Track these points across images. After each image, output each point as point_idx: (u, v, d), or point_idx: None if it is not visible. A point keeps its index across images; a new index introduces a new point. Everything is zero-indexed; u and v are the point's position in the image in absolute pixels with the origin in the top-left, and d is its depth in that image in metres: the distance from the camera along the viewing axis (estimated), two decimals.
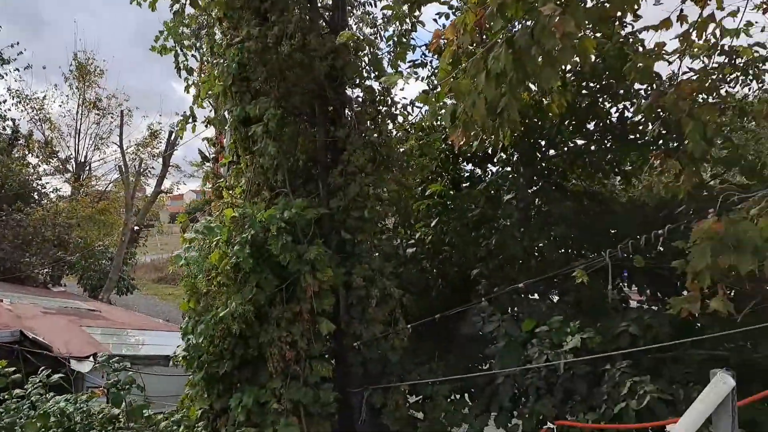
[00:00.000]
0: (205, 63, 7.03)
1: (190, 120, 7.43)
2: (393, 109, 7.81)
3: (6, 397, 4.25)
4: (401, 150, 8.87)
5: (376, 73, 7.27)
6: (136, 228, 24.55)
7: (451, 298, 8.63)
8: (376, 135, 7.24)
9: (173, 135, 22.88)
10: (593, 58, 8.19)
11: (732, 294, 6.52)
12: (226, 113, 6.67)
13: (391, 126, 8.53)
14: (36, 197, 27.88)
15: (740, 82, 7.76)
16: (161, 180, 23.30)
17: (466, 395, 7.78)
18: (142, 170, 23.80)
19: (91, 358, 9.09)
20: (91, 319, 13.81)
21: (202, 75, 6.96)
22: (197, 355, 6.31)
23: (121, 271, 22.48)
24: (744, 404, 4.23)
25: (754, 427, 5.90)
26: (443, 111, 5.67)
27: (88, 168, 29.35)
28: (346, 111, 7.17)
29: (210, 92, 6.71)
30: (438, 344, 8.39)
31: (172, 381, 9.32)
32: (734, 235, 4.63)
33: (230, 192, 6.82)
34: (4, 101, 25.23)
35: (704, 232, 4.74)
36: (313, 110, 7.20)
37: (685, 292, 5.46)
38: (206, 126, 7.01)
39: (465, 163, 9.94)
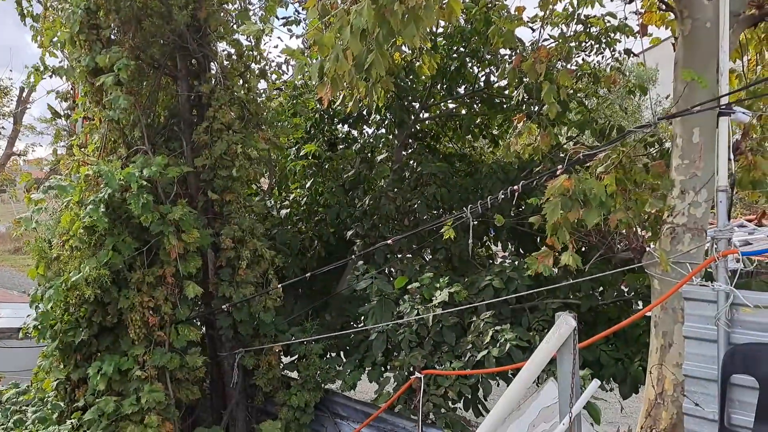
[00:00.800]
0: (50, 8, 6.36)
1: (41, 71, 6.73)
2: (264, 65, 7.55)
3: None
4: (273, 108, 8.65)
5: (244, 25, 6.96)
6: None
7: (327, 259, 8.64)
8: (244, 92, 6.98)
9: (25, 92, 20.83)
10: (461, 21, 8.39)
11: (582, 248, 7.10)
12: (73, 63, 6.10)
13: (264, 84, 8.27)
14: None
15: (594, 50, 8.31)
16: (13, 140, 21.19)
17: (342, 353, 7.90)
18: None
19: None
20: None
21: (46, 21, 6.29)
22: (49, 324, 5.86)
23: None
24: (586, 345, 4.63)
25: (599, 367, 6.49)
26: (309, 68, 5.56)
27: None
28: (212, 65, 6.83)
29: (55, 40, 6.10)
30: (314, 304, 8.42)
31: (29, 356, 8.67)
32: (582, 191, 4.97)
33: (82, 150, 6.29)
34: None
35: (556, 188, 5.05)
36: (174, 63, 6.78)
37: (543, 248, 5.82)
38: (51, 77, 6.37)
39: (340, 124, 9.90)
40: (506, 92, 9.26)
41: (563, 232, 5.12)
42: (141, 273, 5.92)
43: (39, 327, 6.01)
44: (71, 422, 5.48)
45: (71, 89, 7.75)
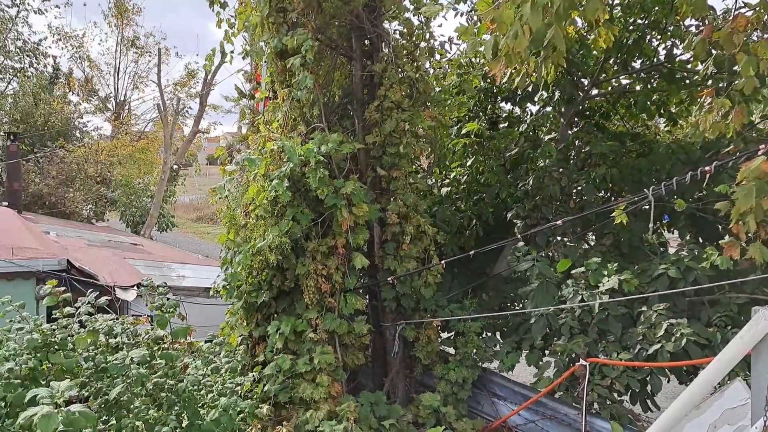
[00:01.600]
0: None
1: (219, 55, 7.38)
2: (431, 44, 7.63)
3: (57, 315, 4.46)
4: (438, 87, 8.71)
5: (415, 5, 7.07)
6: (174, 167, 24.97)
7: (485, 239, 8.62)
8: (413, 70, 7.11)
9: (209, 75, 22.93)
10: None
11: None
12: (262, 45, 6.60)
13: (428, 63, 8.36)
14: (78, 135, 28.52)
15: None
16: (198, 119, 23.50)
17: (498, 333, 7.88)
18: (179, 109, 23.99)
19: (135, 288, 9.44)
20: (133, 253, 14.26)
21: (238, 6, 6.85)
22: (236, 285, 6.48)
23: (161, 208, 23.01)
24: None
25: None
26: (483, 45, 5.52)
27: (127, 107, 29.73)
28: (383, 45, 7.03)
29: (246, 24, 6.62)
30: (471, 283, 8.45)
31: (212, 312, 9.66)
32: None
33: (267, 126, 6.82)
34: (45, 38, 25.48)
35: (752, 171, 4.59)
36: (350, 44, 7.08)
37: (726, 237, 5.34)
38: (243, 58, 6.96)
39: (503, 102, 9.74)
40: (689, 66, 8.51)
41: (751, 220, 4.65)
42: (316, 243, 6.32)
43: (227, 287, 6.67)
44: (253, 375, 6.04)
45: (254, 70, 8.42)
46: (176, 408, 4.47)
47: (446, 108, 8.14)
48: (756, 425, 3.51)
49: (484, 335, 7.44)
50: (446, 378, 6.70)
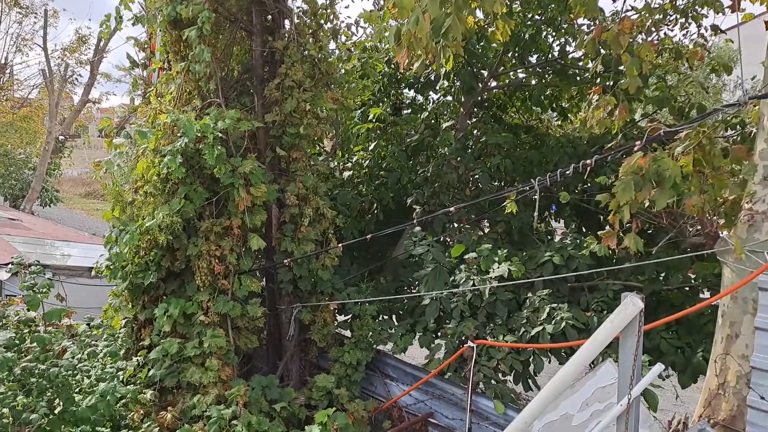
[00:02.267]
0: None
1: (114, 21, 6.93)
2: (336, 25, 7.56)
3: None
4: (342, 69, 8.65)
5: None
6: (60, 137, 23.29)
7: (385, 223, 8.71)
8: (316, 50, 7.00)
9: (102, 41, 21.50)
10: None
11: (649, 230, 6.90)
12: (155, 13, 6.24)
13: (333, 44, 8.28)
14: None
15: (679, 24, 7.91)
16: (89, 88, 22.00)
17: (394, 316, 8.01)
18: (68, 77, 22.35)
19: (10, 266, 8.74)
20: (11, 228, 13.22)
21: None
22: (121, 265, 6.15)
23: (44, 182, 21.43)
24: (650, 328, 4.53)
25: (659, 355, 6.35)
26: (387, 32, 5.54)
27: (9, 71, 27.28)
28: (286, 22, 6.86)
29: None
30: (370, 266, 8.52)
31: (98, 294, 9.15)
32: (656, 171, 4.82)
33: (159, 99, 6.48)
34: None
35: (630, 167, 4.90)
36: (250, 18, 6.85)
37: (607, 228, 5.69)
38: (133, 24, 6.55)
39: (407, 89, 9.84)
40: (581, 64, 8.97)
41: (626, 211, 4.99)
42: (210, 222, 6.12)
43: (111, 267, 6.31)
44: (137, 359, 5.78)
45: (148, 39, 7.96)
46: (48, 394, 4.19)
47: (349, 91, 8.09)
48: (621, 402, 3.79)
49: (380, 318, 7.54)
50: (341, 360, 6.73)
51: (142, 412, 5.44)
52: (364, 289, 7.19)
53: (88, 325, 5.56)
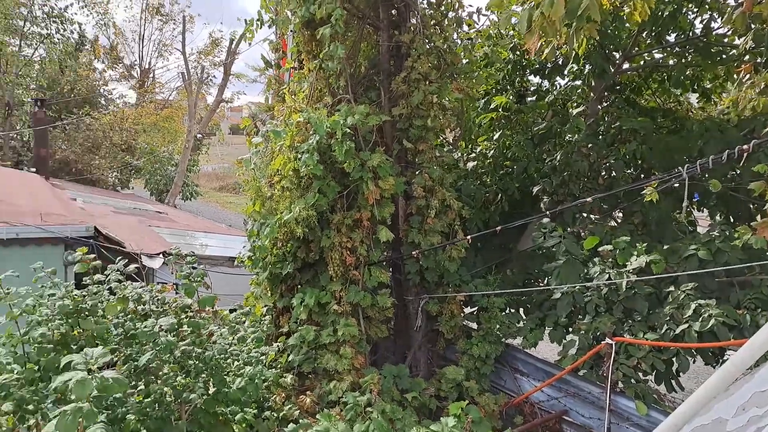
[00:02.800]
0: None
1: (258, 24, 7.30)
2: (460, 14, 7.47)
3: (87, 281, 4.52)
4: (466, 59, 8.56)
5: None
6: (198, 135, 25.06)
7: (510, 214, 8.54)
8: (441, 41, 6.97)
9: (234, 43, 22.82)
10: None
11: None
12: (289, 14, 6.51)
13: (456, 34, 8.20)
14: (103, 102, 28.73)
15: None
16: (222, 88, 23.47)
17: (522, 310, 7.84)
18: (204, 78, 23.97)
19: (161, 256, 9.56)
20: (158, 221, 14.43)
21: None
22: (262, 256, 6.52)
23: (185, 177, 23.19)
24: None
25: None
26: (517, 17, 5.39)
27: (152, 75, 29.77)
28: (411, 15, 6.89)
29: None
30: (494, 258, 8.40)
31: (234, 281, 9.76)
32: None
33: (293, 97, 6.77)
34: (71, 5, 25.46)
35: None
36: (377, 13, 6.95)
37: (759, 218, 5.21)
38: (269, 27, 6.88)
39: (532, 75, 9.55)
40: (726, 40, 8.24)
41: None
42: (341, 215, 6.31)
43: (253, 258, 6.71)
44: (277, 345, 6.10)
45: (280, 40, 8.33)
46: (203, 375, 4.53)
47: (474, 81, 7.99)
48: None
49: (507, 311, 7.42)
50: (469, 353, 6.71)
51: (283, 395, 5.75)
52: (492, 281, 7.10)
53: (233, 311, 5.95)
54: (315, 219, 6.12)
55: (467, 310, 7.60)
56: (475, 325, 7.27)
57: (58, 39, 25.10)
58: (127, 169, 24.35)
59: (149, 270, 9.38)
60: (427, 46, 6.74)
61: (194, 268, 4.80)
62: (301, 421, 4.92)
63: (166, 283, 8.50)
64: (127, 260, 5.05)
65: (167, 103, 28.66)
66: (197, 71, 23.92)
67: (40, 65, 25.95)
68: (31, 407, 3.40)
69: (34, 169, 17.83)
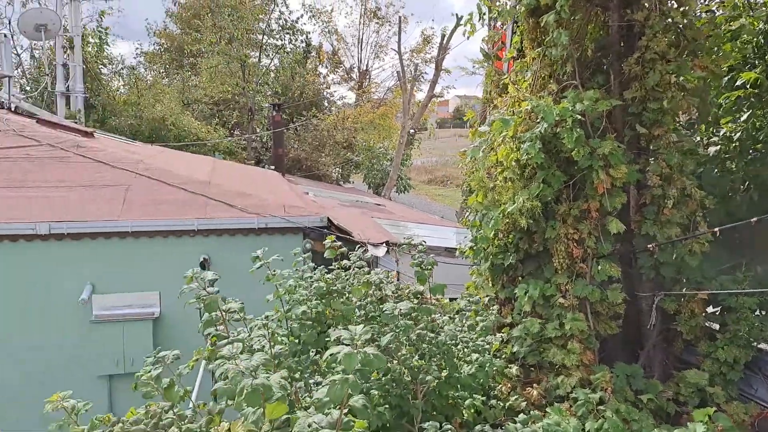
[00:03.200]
0: None
1: (480, 16, 7.36)
2: None
3: (336, 267, 5.00)
4: (708, 33, 7.71)
5: None
6: (411, 131, 26.13)
7: (759, 204, 7.53)
8: (680, 16, 6.37)
9: (445, 39, 23.31)
10: None
11: None
12: (507, 3, 6.47)
13: (698, 7, 7.43)
14: (326, 104, 31.34)
15: None
16: (434, 84, 24.15)
17: None
18: (416, 75, 24.88)
19: (384, 245, 10.17)
20: (378, 212, 15.37)
21: None
22: (484, 247, 6.60)
23: (399, 171, 24.35)
24: None
25: None
26: None
27: (368, 76, 31.70)
28: None
29: None
30: (743, 253, 7.48)
31: (450, 272, 10.01)
32: None
33: (516, 87, 6.71)
34: (301, 16, 28.13)
35: None
36: None
37: None
38: (495, 19, 6.91)
39: None
40: None
41: None
42: (567, 206, 6.12)
43: (474, 248, 6.83)
44: (500, 335, 6.13)
45: (496, 30, 8.31)
46: (435, 359, 4.73)
47: (717, 57, 7.17)
48: None
49: (759, 313, 6.57)
50: (713, 356, 6.08)
51: (509, 385, 5.78)
52: (742, 279, 6.34)
53: (452, 300, 6.11)
54: (539, 210, 6.03)
55: (709, 309, 6.89)
56: (717, 326, 6.56)
57: (290, 48, 27.93)
58: (348, 165, 26.29)
59: (374, 258, 10.02)
60: (664, 23, 6.21)
61: (431, 256, 5.03)
62: (530, 412, 4.89)
63: (390, 271, 9.04)
64: (360, 248, 5.47)
65: (382, 102, 30.31)
66: (410, 69, 24.92)
67: (274, 73, 29.16)
68: (297, 375, 3.88)
69: (272, 167, 20.10)
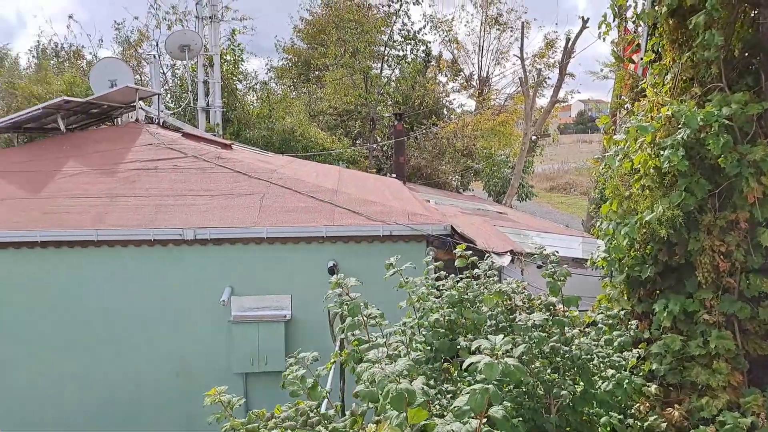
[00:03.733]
0: None
1: (614, 17, 7.10)
2: None
3: (467, 275, 5.04)
4: None
5: None
6: (533, 138, 25.57)
7: None
8: None
9: (570, 42, 22.63)
10: None
11: None
12: (644, 4, 6.18)
13: None
14: (445, 112, 31.47)
15: None
16: (557, 89, 23.50)
17: None
18: (539, 80, 24.33)
19: (508, 254, 10.04)
20: (500, 221, 15.17)
21: None
22: (618, 258, 6.34)
23: (520, 179, 23.91)
24: None
25: None
26: None
27: (489, 83, 31.46)
28: None
29: None
30: None
31: (576, 283, 9.67)
32: None
33: (654, 91, 6.39)
34: (423, 27, 28.51)
35: None
36: None
37: None
38: (633, 22, 6.64)
39: None
40: None
41: None
42: (712, 216, 5.74)
43: (608, 259, 6.57)
44: (637, 351, 5.85)
45: (628, 33, 7.96)
46: (570, 374, 4.62)
47: None
48: None
49: None
50: None
51: (647, 404, 5.50)
52: None
53: (597, 313, 5.92)
54: (681, 219, 5.69)
55: None
56: None
57: (411, 59, 28.37)
58: (468, 173, 26.22)
59: (498, 267, 9.91)
60: None
61: (564, 267, 4.93)
62: None
63: (522, 281, 8.91)
64: (487, 257, 5.46)
65: (503, 109, 29.95)
66: (533, 75, 24.43)
67: (395, 83, 29.74)
68: (432, 382, 3.96)
69: (393, 175, 20.49)
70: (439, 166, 24.77)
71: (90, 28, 51.55)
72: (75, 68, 27.56)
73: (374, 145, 27.25)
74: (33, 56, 32.51)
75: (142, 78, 25.39)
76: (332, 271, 9.55)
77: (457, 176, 26.24)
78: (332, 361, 4.26)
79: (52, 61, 30.02)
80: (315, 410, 3.47)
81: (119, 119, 16.12)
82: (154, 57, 20.39)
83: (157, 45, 26.01)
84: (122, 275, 9.65)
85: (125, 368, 9.73)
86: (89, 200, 10.31)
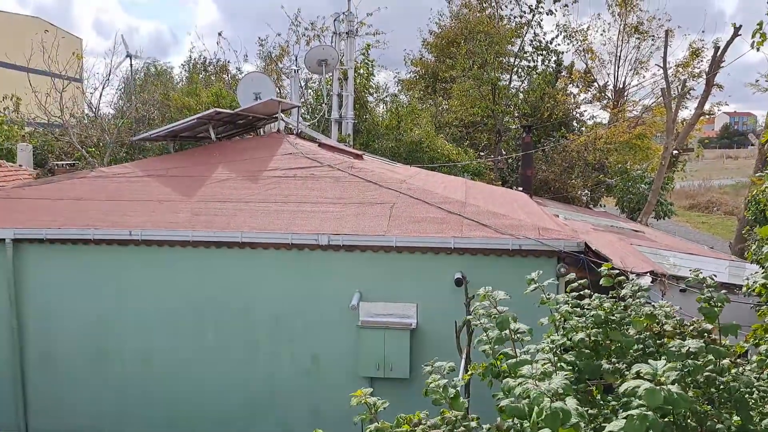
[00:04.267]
0: None
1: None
2: None
3: (611, 296, 4.81)
4: None
5: None
6: (674, 152, 23.97)
7: None
8: None
9: (718, 52, 20.99)
10: None
11: None
12: None
13: None
14: (575, 124, 30.35)
15: None
16: (703, 101, 21.82)
17: None
18: (684, 91, 22.76)
19: (649, 275, 9.46)
20: (637, 239, 14.35)
21: None
22: None
23: (659, 195, 22.47)
24: None
25: None
26: None
27: (625, 94, 29.93)
28: None
29: None
30: None
31: (730, 310, 8.89)
32: None
33: None
34: (556, 36, 27.76)
35: None
36: None
37: None
38: None
39: None
40: None
41: None
42: None
43: (766, 285, 6.00)
44: None
45: None
46: (726, 407, 4.26)
47: None
48: None
49: None
50: None
51: None
52: None
53: (747, 343, 5.43)
54: None
55: None
56: None
57: (542, 69, 27.70)
58: (599, 188, 25.05)
59: (646, 289, 9.36)
60: None
61: (722, 293, 4.57)
62: None
63: (674, 306, 8.37)
64: (632, 278, 5.17)
65: (640, 121, 28.34)
66: (676, 85, 22.90)
67: (524, 94, 29.16)
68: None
69: (520, 188, 20.07)
70: (568, 180, 23.88)
71: (236, 44, 55.14)
72: (221, 81, 29.73)
73: (500, 158, 26.86)
74: (185, 70, 35.53)
75: (281, 91, 26.88)
76: (459, 282, 9.52)
77: (586, 191, 25.15)
78: (470, 373, 4.23)
79: (201, 75, 32.61)
80: (460, 420, 3.47)
81: (262, 129, 17.18)
82: (295, 71, 21.53)
83: (296, 59, 27.44)
84: (262, 276, 10.24)
85: (261, 365, 10.30)
86: (235, 204, 11.07)
